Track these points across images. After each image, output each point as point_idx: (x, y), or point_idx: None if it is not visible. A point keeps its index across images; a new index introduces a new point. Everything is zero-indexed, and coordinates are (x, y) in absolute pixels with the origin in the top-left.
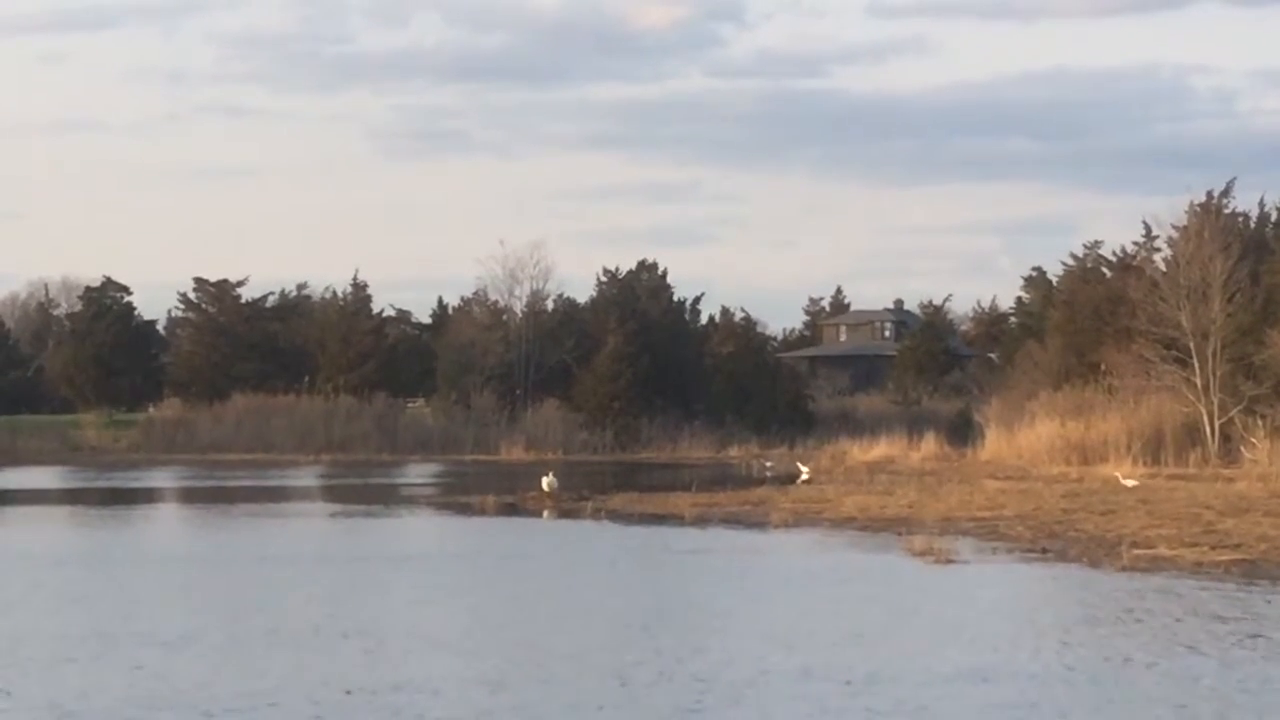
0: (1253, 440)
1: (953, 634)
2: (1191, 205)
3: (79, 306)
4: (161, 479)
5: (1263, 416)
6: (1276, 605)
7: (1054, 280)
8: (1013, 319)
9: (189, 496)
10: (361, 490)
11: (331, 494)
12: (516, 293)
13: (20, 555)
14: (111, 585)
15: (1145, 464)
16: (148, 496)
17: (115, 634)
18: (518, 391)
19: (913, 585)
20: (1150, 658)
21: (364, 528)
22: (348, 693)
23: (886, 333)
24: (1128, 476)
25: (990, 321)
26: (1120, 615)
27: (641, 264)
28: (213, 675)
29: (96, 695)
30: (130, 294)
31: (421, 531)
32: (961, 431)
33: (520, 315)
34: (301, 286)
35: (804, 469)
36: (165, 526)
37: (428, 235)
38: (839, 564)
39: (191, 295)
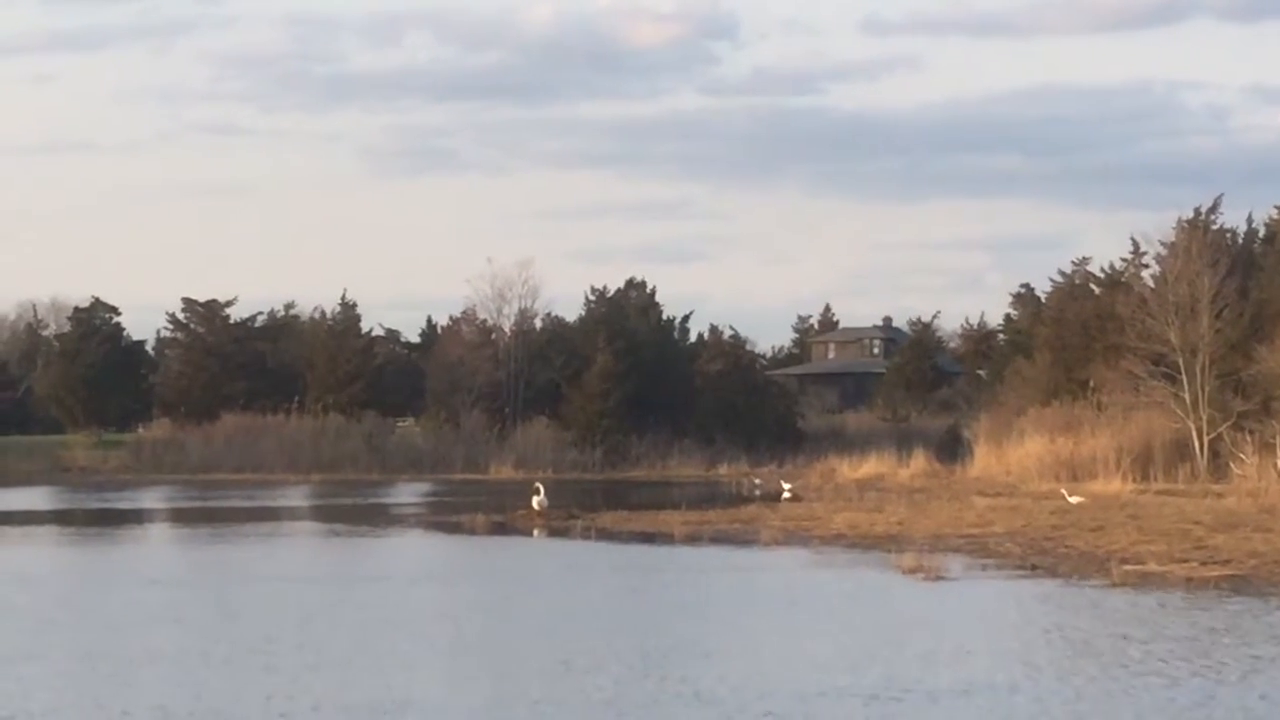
0: (1241, 456)
1: (946, 651)
2: (1179, 221)
3: (68, 327)
4: (152, 499)
5: (1251, 432)
6: (1265, 621)
7: (1042, 297)
8: (1001, 335)
9: (180, 517)
10: (351, 510)
11: (322, 514)
12: (505, 311)
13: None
14: (101, 605)
15: (1134, 480)
16: (138, 517)
17: (108, 653)
18: (507, 410)
19: (904, 602)
20: (1140, 674)
21: (354, 547)
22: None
23: (875, 350)
24: (1072, 494)
25: (979, 338)
26: (1111, 632)
27: (630, 282)
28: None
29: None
30: (119, 314)
31: (412, 551)
32: (950, 448)
33: (509, 334)
34: (289, 306)
35: (787, 486)
36: (157, 547)
37: (417, 254)
38: (829, 581)
39: (180, 315)
